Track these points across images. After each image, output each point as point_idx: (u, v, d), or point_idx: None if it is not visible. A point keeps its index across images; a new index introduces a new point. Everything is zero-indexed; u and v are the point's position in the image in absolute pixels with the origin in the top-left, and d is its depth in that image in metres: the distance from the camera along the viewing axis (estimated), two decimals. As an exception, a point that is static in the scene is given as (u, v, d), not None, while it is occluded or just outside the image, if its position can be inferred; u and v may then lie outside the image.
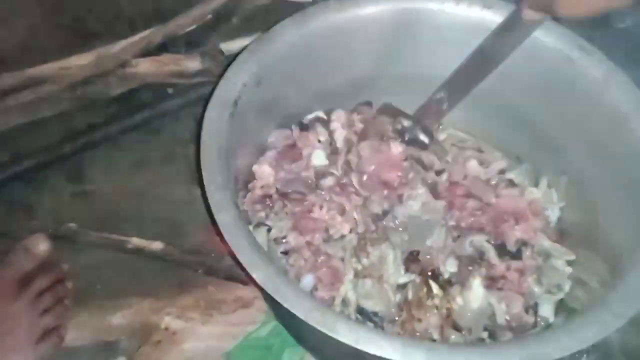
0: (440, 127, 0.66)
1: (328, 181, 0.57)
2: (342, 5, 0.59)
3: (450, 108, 0.61)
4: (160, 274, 0.65)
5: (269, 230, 0.55)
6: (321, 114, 0.64)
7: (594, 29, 0.59)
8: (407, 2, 0.60)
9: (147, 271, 0.65)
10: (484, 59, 0.58)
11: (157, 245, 0.66)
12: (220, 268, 0.64)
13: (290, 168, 0.58)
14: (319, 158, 0.61)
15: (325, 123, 0.63)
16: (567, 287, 0.56)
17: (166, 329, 0.61)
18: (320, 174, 0.58)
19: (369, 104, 0.65)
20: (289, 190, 0.56)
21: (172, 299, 0.63)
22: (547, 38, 0.56)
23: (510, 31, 0.56)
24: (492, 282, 0.53)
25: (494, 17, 0.59)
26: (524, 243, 0.57)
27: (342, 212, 0.55)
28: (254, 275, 0.42)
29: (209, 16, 0.82)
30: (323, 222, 0.54)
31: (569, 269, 0.57)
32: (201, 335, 0.61)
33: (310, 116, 0.64)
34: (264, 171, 0.58)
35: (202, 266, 0.65)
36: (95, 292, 0.63)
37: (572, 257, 0.57)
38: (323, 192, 0.57)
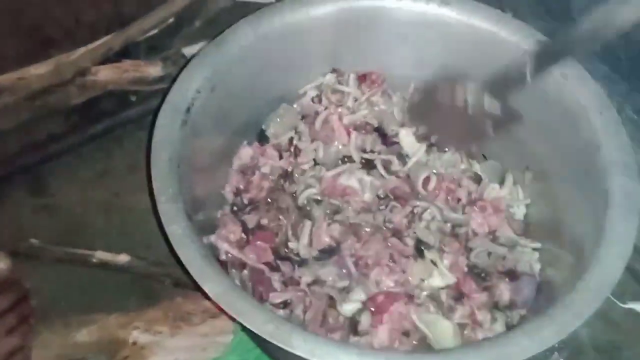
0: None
1: None
2: (297, 4, 0.58)
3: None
4: (127, 287, 0.64)
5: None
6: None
7: (554, 22, 0.58)
8: (364, 0, 0.59)
9: (112, 285, 0.64)
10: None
11: (122, 258, 0.65)
12: (188, 279, 0.63)
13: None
14: None
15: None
16: (537, 267, 0.56)
17: (134, 343, 0.60)
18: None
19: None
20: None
21: (140, 312, 0.62)
22: (503, 31, 0.56)
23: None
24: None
25: (452, 14, 0.58)
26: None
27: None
28: (205, 289, 0.41)
29: (171, 20, 0.81)
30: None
31: (536, 254, 0.57)
32: (170, 349, 0.60)
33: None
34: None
35: (169, 278, 0.64)
36: (60, 309, 0.61)
37: (538, 245, 0.56)
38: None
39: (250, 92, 0.59)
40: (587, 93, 0.53)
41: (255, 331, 0.39)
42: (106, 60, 0.77)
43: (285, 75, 0.61)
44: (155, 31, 0.80)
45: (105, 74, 0.77)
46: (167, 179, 0.46)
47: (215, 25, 0.81)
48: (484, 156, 0.64)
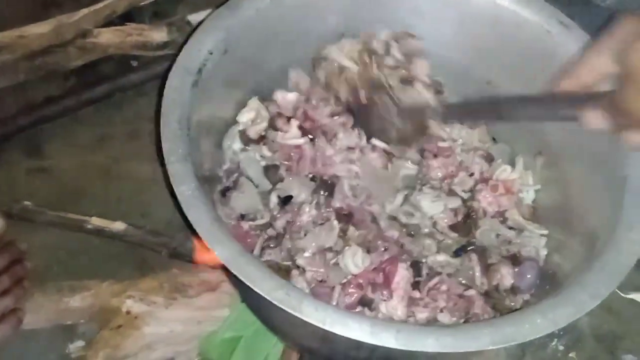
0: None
1: None
2: (315, -30, 0.56)
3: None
4: (122, 255, 0.63)
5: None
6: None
7: (573, 5, 0.57)
8: (383, -29, 0.57)
9: (107, 252, 0.63)
10: (498, 114, 0.51)
11: (118, 226, 0.63)
12: (185, 250, 0.62)
13: None
14: None
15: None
16: (543, 253, 0.55)
17: (127, 312, 0.59)
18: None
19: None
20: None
21: (134, 281, 0.61)
22: (525, 11, 0.55)
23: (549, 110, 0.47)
24: None
25: (472, -10, 0.57)
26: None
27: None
28: (215, 252, 0.40)
29: (177, -15, 0.79)
30: None
31: (543, 240, 0.56)
32: (164, 320, 0.59)
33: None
34: None
35: (166, 248, 0.62)
36: (53, 273, 0.61)
37: (546, 231, 0.56)
38: None
39: (262, 57, 0.57)
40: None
41: (265, 296, 0.38)
42: (109, 23, 0.75)
43: (298, 42, 0.59)
44: (159, -4, 0.79)
45: (107, 37, 0.75)
46: (178, 140, 0.45)
47: (222, -7, 0.80)
48: (494, 139, 0.63)
